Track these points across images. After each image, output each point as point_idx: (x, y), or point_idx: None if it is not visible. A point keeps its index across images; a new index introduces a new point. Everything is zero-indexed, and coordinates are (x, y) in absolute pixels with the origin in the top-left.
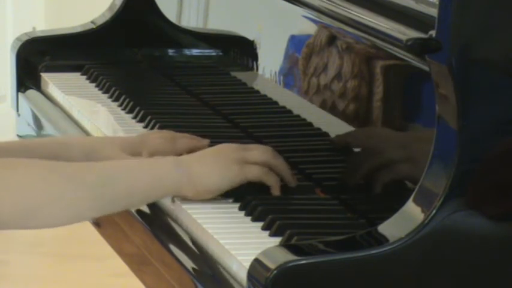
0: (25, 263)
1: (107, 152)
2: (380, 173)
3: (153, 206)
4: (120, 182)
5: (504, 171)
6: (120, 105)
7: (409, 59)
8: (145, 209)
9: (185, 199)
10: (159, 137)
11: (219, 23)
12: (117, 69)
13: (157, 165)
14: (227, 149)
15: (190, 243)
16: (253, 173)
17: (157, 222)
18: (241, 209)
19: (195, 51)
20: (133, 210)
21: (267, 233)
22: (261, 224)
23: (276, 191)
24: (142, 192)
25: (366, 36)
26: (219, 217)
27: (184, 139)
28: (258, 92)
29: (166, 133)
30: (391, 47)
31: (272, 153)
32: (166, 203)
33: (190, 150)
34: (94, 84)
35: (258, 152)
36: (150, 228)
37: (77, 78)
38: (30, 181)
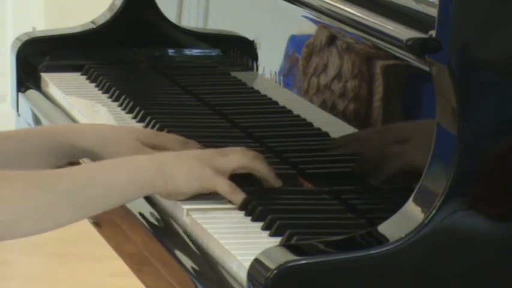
0: (25, 263)
1: (122, 144)
2: (380, 173)
3: (153, 206)
4: (95, 187)
5: (504, 171)
6: (120, 105)
7: (409, 59)
8: (146, 209)
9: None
10: (175, 139)
11: (219, 23)
12: (117, 69)
13: (133, 166)
14: (204, 155)
15: (190, 243)
16: (222, 188)
17: (157, 222)
18: (241, 209)
19: (195, 51)
20: (133, 211)
21: (267, 233)
22: (261, 224)
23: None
24: (118, 195)
25: (366, 36)
26: (219, 217)
27: (195, 147)
28: (258, 92)
29: (181, 138)
30: (391, 47)
31: (248, 160)
32: (167, 203)
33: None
34: (94, 84)
35: (233, 159)
36: (150, 228)
37: (77, 78)
38: (7, 195)
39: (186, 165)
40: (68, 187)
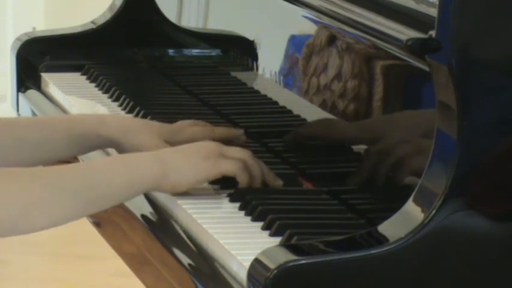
0: (25, 263)
1: (144, 136)
2: (380, 173)
3: (153, 205)
4: (100, 185)
5: (504, 171)
6: (120, 105)
7: (409, 59)
8: (146, 208)
9: (165, 192)
10: (194, 124)
11: (219, 23)
12: (117, 69)
13: (136, 164)
14: (206, 145)
15: (190, 243)
16: (228, 167)
17: (157, 222)
18: (241, 209)
19: (195, 51)
20: (133, 211)
21: (267, 233)
22: (261, 224)
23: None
24: (122, 192)
25: (366, 36)
26: (219, 217)
27: (221, 128)
28: (258, 92)
29: (202, 122)
30: (391, 47)
31: (250, 155)
32: (167, 203)
33: (228, 139)
34: (94, 84)
35: (237, 149)
36: (150, 228)
37: (77, 78)
38: (13, 192)
39: (189, 156)
40: (74, 185)
